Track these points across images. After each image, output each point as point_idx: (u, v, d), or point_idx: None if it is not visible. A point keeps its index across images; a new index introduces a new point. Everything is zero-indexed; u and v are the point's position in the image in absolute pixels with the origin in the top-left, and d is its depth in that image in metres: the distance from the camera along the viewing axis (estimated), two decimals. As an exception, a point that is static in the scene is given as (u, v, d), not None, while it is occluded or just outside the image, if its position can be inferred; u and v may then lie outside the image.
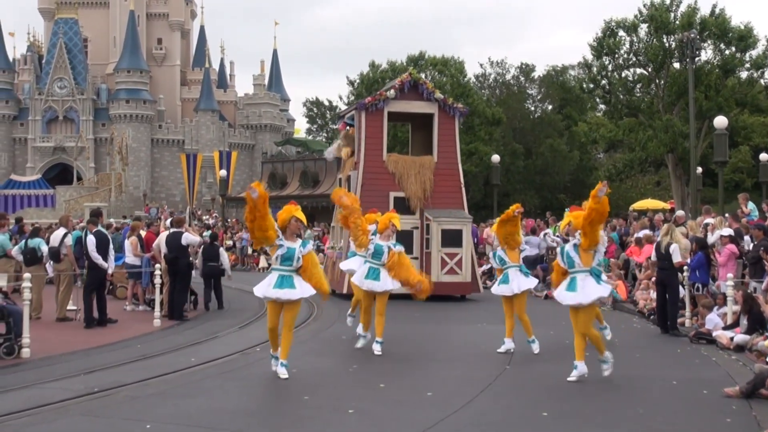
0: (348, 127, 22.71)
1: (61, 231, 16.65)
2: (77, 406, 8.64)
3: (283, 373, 9.78)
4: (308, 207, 47.31)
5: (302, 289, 9.73)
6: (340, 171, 24.45)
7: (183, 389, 9.38)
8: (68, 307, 16.46)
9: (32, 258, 16.32)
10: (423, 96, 21.51)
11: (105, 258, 15.31)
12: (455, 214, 20.85)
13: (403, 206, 20.26)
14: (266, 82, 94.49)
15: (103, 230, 16.00)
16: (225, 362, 11.41)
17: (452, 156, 21.67)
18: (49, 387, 9.66)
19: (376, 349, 11.71)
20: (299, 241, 9.86)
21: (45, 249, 16.43)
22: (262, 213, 9.33)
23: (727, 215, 18.17)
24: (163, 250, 16.89)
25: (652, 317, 15.95)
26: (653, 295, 16.61)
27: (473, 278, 20.83)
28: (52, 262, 16.53)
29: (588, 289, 9.67)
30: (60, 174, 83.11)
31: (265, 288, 9.77)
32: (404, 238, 20.12)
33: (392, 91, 21.29)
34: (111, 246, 15.81)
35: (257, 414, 8.28)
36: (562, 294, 9.87)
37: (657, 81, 47.70)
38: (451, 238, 20.30)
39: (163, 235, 17.33)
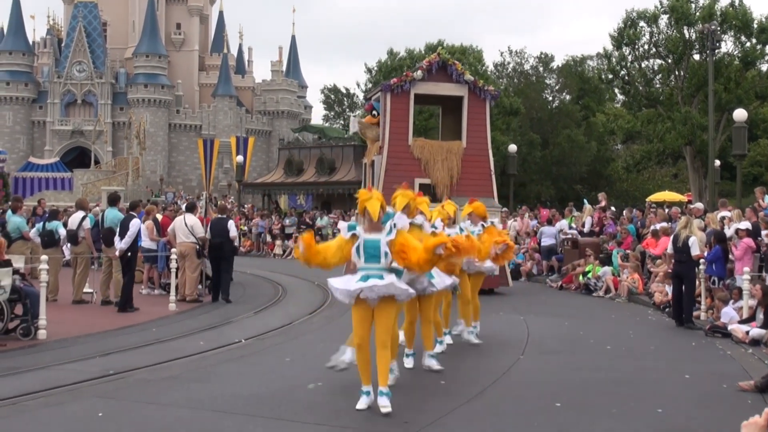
0: (374, 111, 21.75)
1: (80, 214, 16.74)
2: (92, 388, 8.69)
3: (386, 405, 7.48)
4: (324, 194, 47.40)
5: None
6: (365, 156, 23.60)
7: (196, 374, 9.41)
8: (84, 290, 16.56)
9: (50, 240, 16.42)
10: (452, 78, 20.29)
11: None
12: (483, 202, 19.49)
13: (428, 194, 19.31)
14: (284, 68, 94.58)
15: (134, 214, 16.06)
16: (239, 347, 11.44)
17: (482, 141, 20.52)
18: (65, 369, 9.73)
19: (433, 364, 9.81)
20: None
21: (63, 232, 16.52)
22: (316, 261, 7.73)
23: (747, 208, 18.04)
24: (179, 234, 16.94)
25: (667, 310, 15.88)
26: (668, 288, 16.55)
27: (502, 271, 19.54)
28: (69, 245, 16.65)
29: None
30: (78, 157, 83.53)
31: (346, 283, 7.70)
32: None
33: (419, 72, 20.14)
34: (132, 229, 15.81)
35: (270, 399, 8.30)
36: None
37: (677, 72, 47.43)
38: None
39: (179, 220, 17.38)
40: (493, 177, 20.67)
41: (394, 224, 7.67)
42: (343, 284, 7.59)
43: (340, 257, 7.68)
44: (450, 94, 20.61)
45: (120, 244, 15.22)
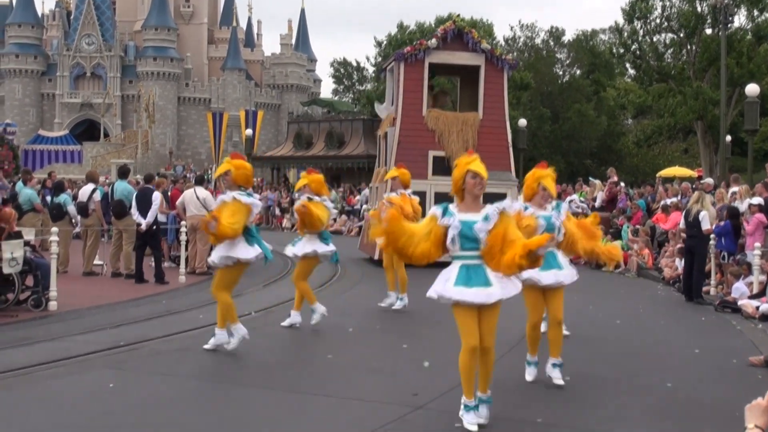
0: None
1: (90, 186, 16.77)
2: (103, 359, 8.73)
3: (483, 416, 6.28)
4: (333, 168, 47.34)
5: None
6: (379, 128, 23.27)
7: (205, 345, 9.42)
8: (95, 262, 16.62)
9: (58, 213, 16.48)
10: (468, 46, 19.61)
11: (145, 215, 15.30)
12: (499, 176, 18.67)
13: (442, 167, 18.82)
14: (293, 41, 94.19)
15: (151, 186, 16.09)
16: (249, 320, 11.46)
17: (499, 113, 19.86)
18: (76, 340, 9.77)
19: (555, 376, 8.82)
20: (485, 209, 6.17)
21: (71, 209, 16.60)
22: (400, 242, 6.15)
23: (758, 184, 17.95)
24: (190, 207, 16.95)
25: (676, 285, 15.86)
26: (678, 263, 16.52)
27: None
28: (80, 217, 16.70)
29: None
30: (87, 130, 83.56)
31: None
32: (444, 201, 19.65)
33: (434, 40, 19.50)
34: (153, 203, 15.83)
35: (280, 371, 8.33)
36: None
37: (688, 47, 47.10)
38: (494, 203, 19.52)
39: (189, 193, 17.38)
40: (511, 150, 20.14)
41: (500, 209, 6.11)
42: (459, 294, 6.01)
43: (430, 245, 6.11)
44: (466, 63, 19.99)
45: (143, 218, 15.19)
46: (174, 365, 8.41)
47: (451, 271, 6.11)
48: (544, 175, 7.78)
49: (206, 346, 9.01)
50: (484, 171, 6.18)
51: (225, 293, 9.04)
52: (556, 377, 7.68)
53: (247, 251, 8.90)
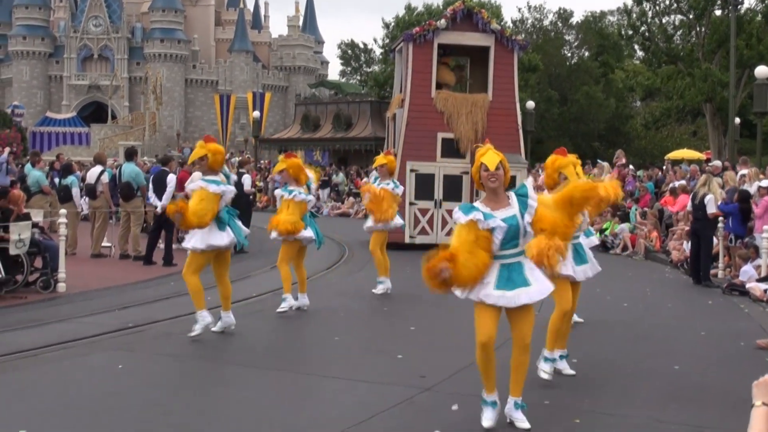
0: None
1: (98, 168, 16.82)
2: (111, 340, 8.78)
3: (521, 419, 5.97)
4: (341, 150, 47.28)
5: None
6: (387, 110, 23.09)
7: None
8: (103, 244, 16.67)
9: (66, 195, 16.54)
10: (478, 27, 19.28)
11: (161, 197, 15.29)
12: (509, 158, 18.39)
13: (451, 149, 18.92)
14: (301, 23, 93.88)
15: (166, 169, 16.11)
16: (256, 302, 11.51)
17: (509, 94, 19.52)
18: (84, 321, 9.82)
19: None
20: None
21: (75, 191, 16.65)
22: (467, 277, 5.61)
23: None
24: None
25: (684, 267, 15.85)
26: (686, 245, 16.50)
27: None
28: (87, 199, 16.74)
29: None
30: (95, 112, 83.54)
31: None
32: (452, 184, 18.92)
33: (442, 21, 19.19)
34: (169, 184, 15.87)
35: (287, 353, 8.37)
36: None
37: (698, 28, 46.81)
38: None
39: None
40: (521, 132, 19.86)
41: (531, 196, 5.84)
42: (484, 296, 5.72)
43: (485, 254, 5.63)
44: (476, 44, 19.72)
45: (159, 201, 15.18)
46: (182, 346, 8.45)
47: (490, 273, 5.68)
48: (565, 163, 7.35)
49: (214, 329, 9.03)
50: (494, 162, 5.75)
51: (195, 277, 8.95)
52: (564, 368, 7.57)
53: (220, 238, 8.87)
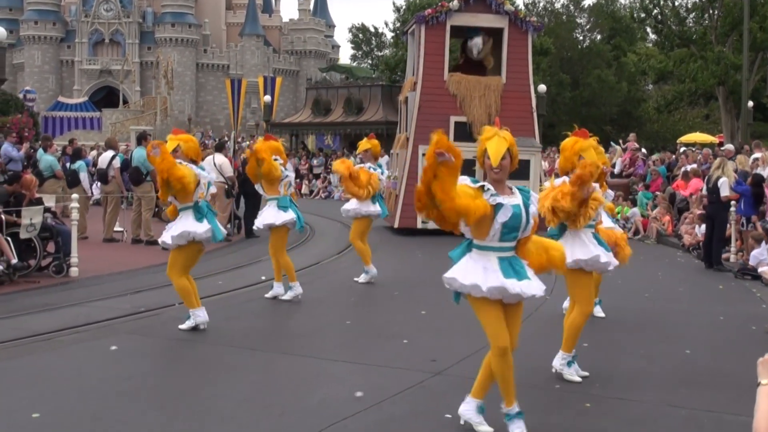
0: None
1: (109, 153, 16.86)
2: (123, 324, 8.82)
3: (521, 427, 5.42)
4: (352, 134, 47.22)
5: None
6: (399, 94, 22.88)
7: (226, 311, 9.51)
8: (115, 229, 16.72)
9: (74, 180, 16.61)
10: (491, 8, 18.98)
11: None
12: (523, 141, 17.72)
13: (464, 132, 18.36)
14: (311, 7, 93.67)
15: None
16: (267, 286, 11.53)
17: (523, 76, 19.32)
18: (97, 306, 9.87)
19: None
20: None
21: (83, 176, 16.72)
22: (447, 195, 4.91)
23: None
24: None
25: (696, 251, 15.81)
26: (698, 229, 16.45)
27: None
28: (99, 184, 16.80)
29: None
30: (106, 97, 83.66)
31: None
32: (465, 167, 19.35)
33: (455, 2, 18.86)
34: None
35: (299, 337, 8.39)
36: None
37: (711, 11, 46.47)
38: (517, 170, 18.77)
39: (208, 159, 17.43)
40: (535, 115, 19.57)
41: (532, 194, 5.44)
42: (515, 286, 5.18)
43: (483, 206, 5.04)
44: (489, 25, 19.35)
45: None
46: (194, 331, 8.48)
47: (489, 262, 5.19)
48: (585, 146, 6.72)
49: (181, 327, 8.44)
50: (499, 153, 5.20)
51: (182, 277, 8.48)
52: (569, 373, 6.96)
53: (200, 227, 8.35)
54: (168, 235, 8.39)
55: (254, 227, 10.78)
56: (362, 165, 11.86)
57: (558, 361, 6.95)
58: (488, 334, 5.32)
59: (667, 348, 8.14)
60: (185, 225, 8.34)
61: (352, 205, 11.77)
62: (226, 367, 7.19)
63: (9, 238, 11.37)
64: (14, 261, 11.26)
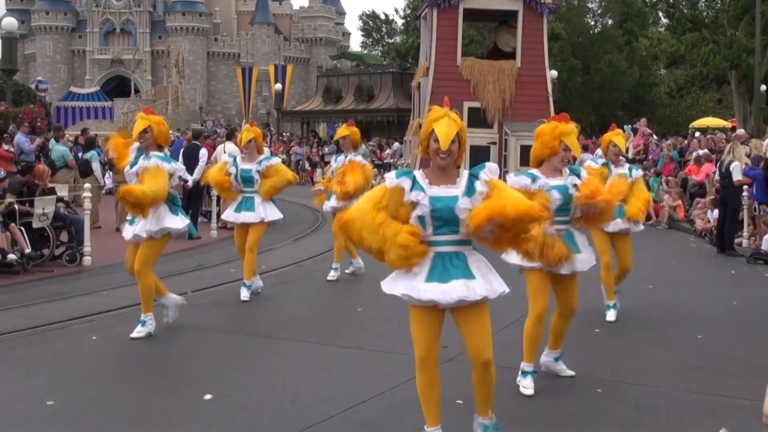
0: None
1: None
2: (136, 313, 8.82)
3: None
4: (363, 122, 47.21)
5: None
6: (412, 80, 22.47)
7: (237, 299, 9.51)
8: (127, 218, 16.75)
9: (86, 169, 16.67)
10: None
11: (192, 171, 15.23)
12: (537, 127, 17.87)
13: (478, 118, 18.15)
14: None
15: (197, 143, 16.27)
16: (279, 274, 11.57)
17: (538, 61, 18.85)
18: (110, 294, 9.93)
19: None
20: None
21: (95, 165, 16.78)
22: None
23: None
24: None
25: (708, 237, 15.76)
26: (710, 214, 16.40)
27: None
28: (111, 173, 16.87)
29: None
30: (118, 86, 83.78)
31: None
32: (479, 154, 17.71)
33: None
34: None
35: (311, 324, 8.41)
36: None
37: (723, -6, 46.23)
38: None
39: (219, 148, 17.45)
40: (551, 100, 19.12)
41: (487, 179, 4.71)
42: (410, 289, 4.76)
43: (381, 216, 4.55)
44: (503, 8, 19.08)
45: (189, 175, 15.13)
46: (206, 318, 8.52)
47: (422, 263, 4.64)
48: (567, 131, 6.09)
49: (133, 335, 7.73)
50: (450, 136, 4.59)
51: (151, 275, 7.90)
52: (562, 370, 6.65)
53: (176, 221, 7.81)
54: (143, 227, 7.77)
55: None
56: (351, 157, 10.57)
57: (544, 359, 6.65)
58: (413, 341, 4.91)
59: (679, 333, 8.13)
60: (165, 220, 7.77)
61: (333, 202, 10.58)
62: (239, 353, 7.22)
63: (22, 228, 11.45)
64: (28, 250, 11.33)
